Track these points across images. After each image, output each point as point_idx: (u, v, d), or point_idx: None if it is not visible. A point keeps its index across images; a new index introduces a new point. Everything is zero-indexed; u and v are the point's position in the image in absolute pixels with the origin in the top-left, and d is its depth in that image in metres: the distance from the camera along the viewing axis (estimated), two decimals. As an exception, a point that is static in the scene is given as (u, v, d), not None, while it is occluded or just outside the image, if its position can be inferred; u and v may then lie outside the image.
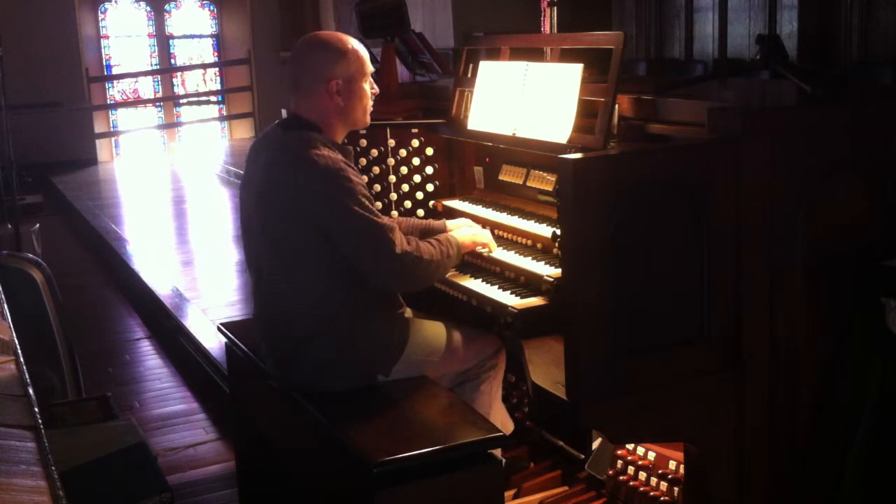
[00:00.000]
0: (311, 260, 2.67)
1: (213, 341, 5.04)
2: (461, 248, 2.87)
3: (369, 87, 2.80)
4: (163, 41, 14.22)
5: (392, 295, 2.82)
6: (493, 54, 3.24)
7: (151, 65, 14.26)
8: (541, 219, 2.98)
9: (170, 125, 14.37)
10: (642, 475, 2.92)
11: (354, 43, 2.77)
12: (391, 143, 3.39)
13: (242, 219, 2.90)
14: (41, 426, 1.74)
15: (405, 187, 3.42)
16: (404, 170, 3.42)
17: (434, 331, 2.88)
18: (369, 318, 2.73)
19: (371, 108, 2.85)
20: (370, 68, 2.81)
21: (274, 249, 2.72)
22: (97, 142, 13.22)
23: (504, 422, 3.04)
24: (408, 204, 3.42)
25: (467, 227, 3.03)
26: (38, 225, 6.99)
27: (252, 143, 2.94)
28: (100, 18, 13.75)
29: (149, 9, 14.10)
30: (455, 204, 3.38)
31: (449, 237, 2.86)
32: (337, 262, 2.66)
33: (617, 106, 2.68)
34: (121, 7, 13.93)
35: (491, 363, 2.99)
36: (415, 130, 3.43)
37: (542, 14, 9.21)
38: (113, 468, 2.88)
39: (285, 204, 2.65)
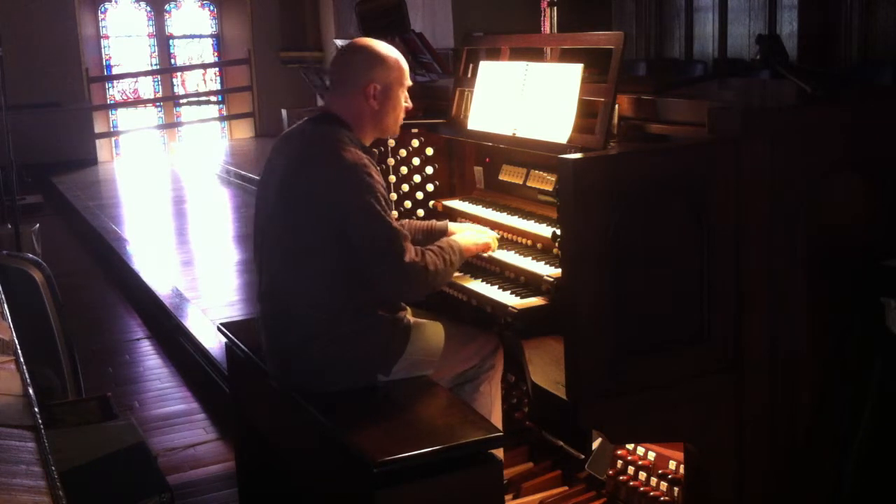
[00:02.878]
0: (321, 256, 2.68)
1: (213, 341, 5.04)
2: (464, 254, 2.87)
3: (404, 100, 2.86)
4: (163, 41, 14.22)
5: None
6: (493, 54, 3.24)
7: (151, 65, 14.26)
8: (541, 219, 2.98)
9: (170, 125, 14.37)
10: (642, 475, 2.92)
11: (398, 54, 2.86)
12: (391, 143, 3.39)
13: (258, 211, 2.90)
14: (41, 426, 1.74)
15: (405, 187, 3.42)
16: (404, 170, 3.42)
17: (434, 331, 2.88)
18: (371, 318, 2.73)
19: (402, 121, 2.91)
20: (409, 82, 2.88)
21: (286, 243, 2.73)
22: (97, 142, 13.21)
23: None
24: (408, 204, 3.42)
25: (471, 232, 3.03)
26: (38, 225, 6.99)
27: (278, 137, 2.95)
28: (100, 18, 13.75)
29: (149, 9, 14.10)
30: (455, 204, 3.38)
31: (451, 242, 2.85)
32: (345, 262, 2.67)
33: (617, 106, 2.68)
34: (121, 7, 13.93)
35: (490, 363, 2.99)
36: (415, 130, 3.43)
37: (542, 14, 9.22)
38: (113, 468, 2.88)
39: (306, 194, 2.67)
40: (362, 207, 2.62)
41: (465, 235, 2.97)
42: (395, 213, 3.37)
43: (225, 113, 14.67)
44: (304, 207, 2.67)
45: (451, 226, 3.10)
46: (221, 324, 3.41)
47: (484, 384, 2.99)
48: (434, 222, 3.15)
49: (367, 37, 3.69)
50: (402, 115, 2.89)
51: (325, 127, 2.76)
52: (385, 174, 3.39)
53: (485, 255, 2.96)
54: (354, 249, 2.64)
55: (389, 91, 2.80)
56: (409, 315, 2.87)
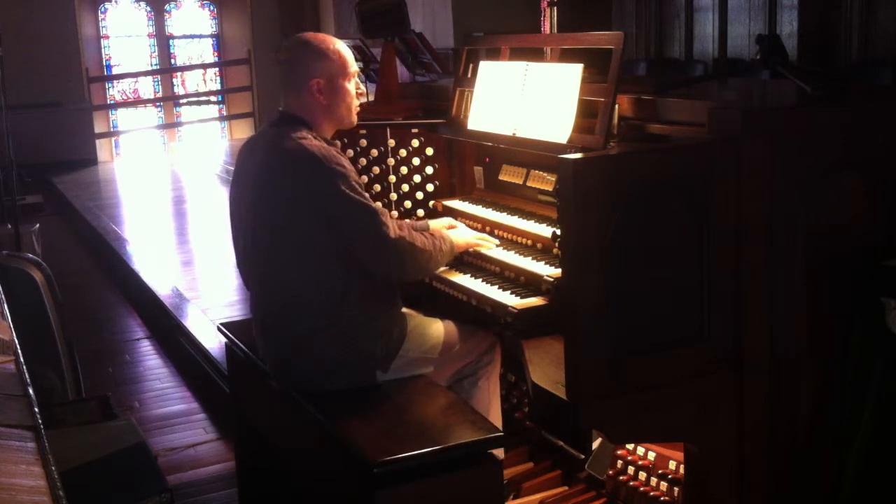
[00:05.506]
0: (313, 250, 2.69)
1: (213, 341, 5.04)
2: (454, 247, 2.90)
3: (354, 87, 2.88)
4: (163, 41, 14.22)
5: (391, 291, 2.83)
6: (493, 54, 3.24)
7: (151, 65, 14.25)
8: (541, 219, 2.98)
9: (170, 125, 14.37)
10: (642, 475, 2.92)
11: (337, 43, 2.85)
12: (391, 143, 3.39)
13: (234, 218, 2.93)
14: (41, 426, 1.74)
15: (405, 187, 3.42)
16: (404, 170, 3.42)
17: (431, 327, 2.90)
18: (369, 312, 2.74)
19: (357, 108, 2.92)
20: (354, 68, 2.88)
21: (276, 242, 2.74)
22: (97, 142, 13.20)
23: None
24: (408, 204, 3.42)
25: (463, 228, 3.07)
26: (38, 225, 6.99)
27: (243, 143, 2.98)
28: (100, 18, 13.74)
29: (149, 9, 14.09)
30: (455, 204, 3.38)
31: (443, 233, 2.91)
32: (337, 253, 2.69)
33: (617, 106, 2.68)
34: (121, 7, 13.92)
35: (487, 358, 3.01)
36: (415, 130, 3.43)
37: (542, 14, 9.23)
38: (113, 468, 2.88)
39: (283, 193, 2.70)
40: (336, 195, 2.65)
41: (457, 232, 3.01)
42: (395, 213, 3.38)
43: (225, 113, 14.66)
44: (285, 202, 2.69)
45: (433, 223, 3.11)
46: (221, 324, 3.42)
47: (482, 380, 3.00)
48: (414, 222, 3.16)
49: (367, 36, 3.71)
50: (355, 103, 2.90)
51: (285, 127, 2.79)
52: (385, 174, 3.40)
53: (480, 251, 2.98)
54: (337, 237, 2.66)
55: (334, 83, 2.81)
56: (405, 311, 2.88)
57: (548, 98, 2.89)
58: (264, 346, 2.88)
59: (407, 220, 3.23)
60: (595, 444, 3.13)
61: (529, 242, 2.98)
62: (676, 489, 2.81)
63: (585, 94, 2.77)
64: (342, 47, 2.86)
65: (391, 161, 3.40)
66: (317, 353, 2.71)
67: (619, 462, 2.98)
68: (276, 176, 2.72)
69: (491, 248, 2.99)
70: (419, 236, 2.77)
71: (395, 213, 3.38)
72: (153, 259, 7.41)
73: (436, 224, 3.10)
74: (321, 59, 2.80)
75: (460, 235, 2.99)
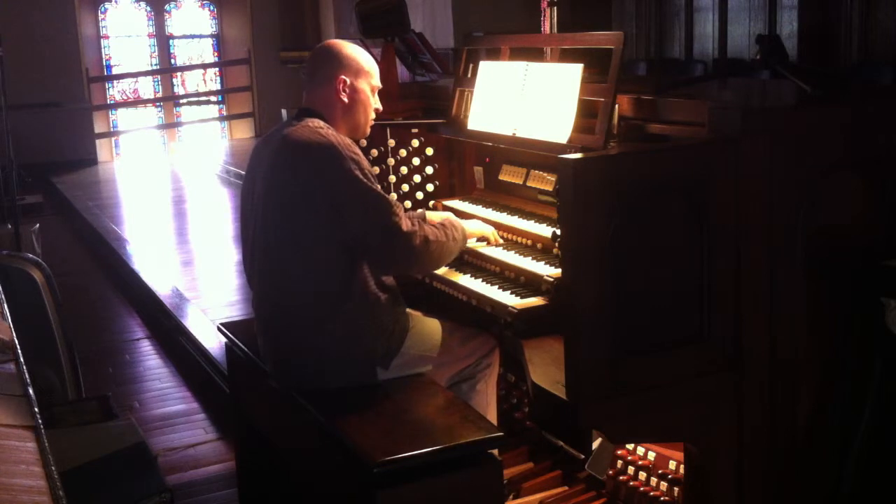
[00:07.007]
0: (320, 240, 2.69)
1: (213, 341, 5.04)
2: (466, 234, 2.91)
3: (374, 101, 2.92)
4: (163, 41, 14.22)
5: (392, 289, 2.83)
6: (493, 54, 3.24)
7: (151, 65, 14.25)
8: (541, 219, 2.98)
9: (170, 125, 14.37)
10: (642, 475, 2.92)
11: (370, 58, 2.94)
12: (391, 143, 3.39)
13: (243, 212, 2.92)
14: (41, 426, 1.74)
15: (405, 187, 3.43)
16: (404, 170, 3.43)
17: (431, 327, 2.90)
18: (372, 308, 2.74)
19: (372, 122, 2.96)
20: (378, 84, 2.94)
21: (283, 232, 2.74)
22: (97, 142, 13.20)
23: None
24: (408, 204, 3.43)
25: (472, 221, 3.07)
26: (38, 225, 6.99)
27: (257, 141, 3.00)
28: (100, 18, 13.74)
29: (149, 9, 14.09)
30: (455, 204, 3.38)
31: (454, 221, 2.90)
32: (344, 245, 2.68)
33: (617, 106, 2.68)
34: (121, 7, 13.92)
35: (486, 362, 3.01)
36: (415, 130, 3.43)
37: (542, 14, 9.22)
38: (113, 468, 2.88)
39: (296, 181, 2.70)
40: (352, 182, 2.65)
41: (465, 222, 3.01)
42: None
43: (225, 113, 14.66)
44: (298, 190, 2.70)
45: (430, 214, 3.11)
46: (221, 324, 3.41)
47: (480, 383, 3.00)
48: (411, 213, 3.16)
49: (367, 37, 3.72)
50: (373, 116, 2.94)
51: (301, 120, 2.82)
52: (385, 174, 3.40)
53: (485, 250, 2.98)
54: (349, 227, 2.66)
55: (359, 87, 2.87)
56: (406, 308, 2.88)
57: (548, 98, 2.89)
58: (265, 343, 2.88)
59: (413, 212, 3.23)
60: (595, 444, 3.14)
61: (529, 242, 2.98)
62: (676, 489, 2.81)
63: (585, 94, 2.77)
64: (373, 63, 2.95)
65: (391, 161, 3.40)
66: (317, 350, 2.71)
67: (619, 462, 2.98)
68: (289, 163, 2.73)
69: (497, 241, 3.01)
70: (431, 229, 2.77)
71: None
72: (153, 259, 7.41)
73: (432, 217, 3.10)
74: (353, 63, 2.87)
75: (470, 225, 3.00)
